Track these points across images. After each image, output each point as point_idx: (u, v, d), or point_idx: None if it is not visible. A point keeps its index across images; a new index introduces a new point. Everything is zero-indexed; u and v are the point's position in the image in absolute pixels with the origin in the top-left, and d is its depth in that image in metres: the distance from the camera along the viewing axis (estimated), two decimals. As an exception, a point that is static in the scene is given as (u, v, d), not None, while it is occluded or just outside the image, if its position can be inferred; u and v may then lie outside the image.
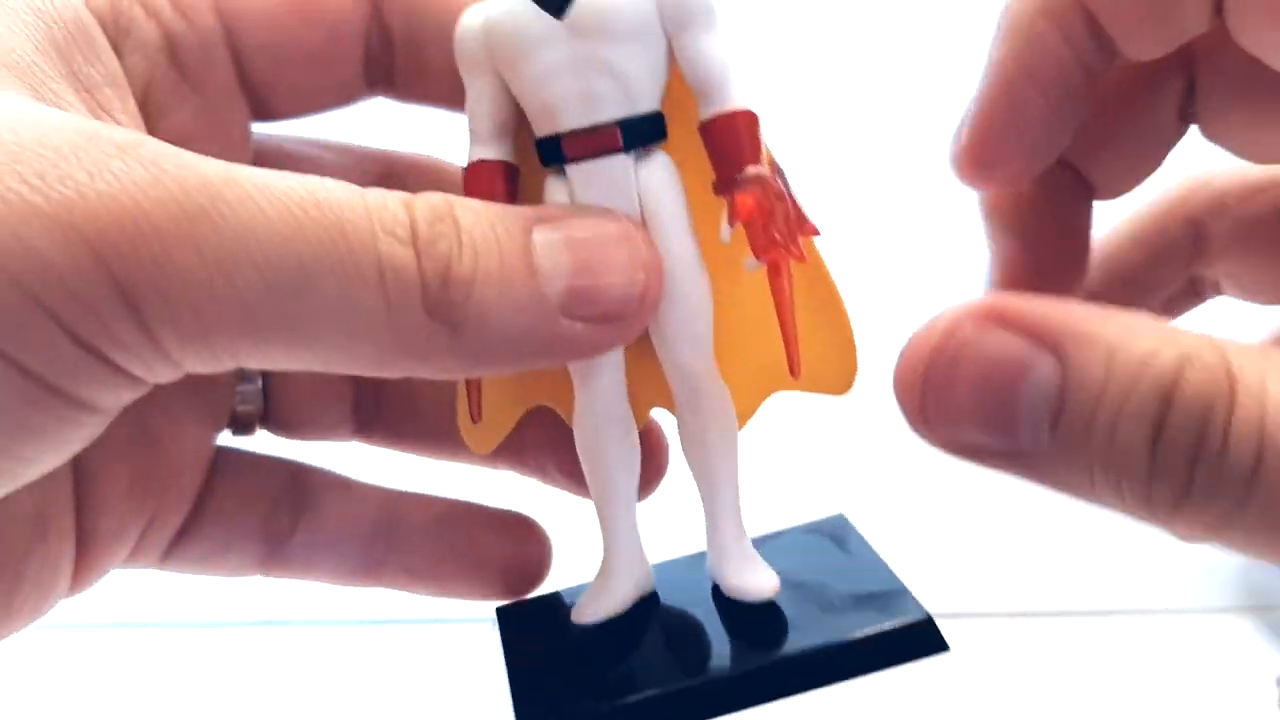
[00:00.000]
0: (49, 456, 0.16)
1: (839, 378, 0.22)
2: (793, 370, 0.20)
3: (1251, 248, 0.24)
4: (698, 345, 0.21)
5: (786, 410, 0.64)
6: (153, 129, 0.21)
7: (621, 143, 0.20)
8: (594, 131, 0.19)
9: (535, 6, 0.19)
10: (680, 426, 0.23)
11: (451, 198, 0.18)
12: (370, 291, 0.16)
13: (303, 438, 0.26)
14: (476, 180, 0.20)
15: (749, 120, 0.20)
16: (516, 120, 0.21)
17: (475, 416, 0.22)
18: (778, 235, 0.19)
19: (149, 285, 0.14)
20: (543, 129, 0.20)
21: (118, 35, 0.21)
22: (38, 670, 0.57)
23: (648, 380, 0.22)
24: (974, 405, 0.16)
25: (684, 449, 0.23)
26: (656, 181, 0.20)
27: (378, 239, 0.16)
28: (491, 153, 0.21)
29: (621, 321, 0.18)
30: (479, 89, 0.21)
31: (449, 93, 0.23)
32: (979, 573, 0.62)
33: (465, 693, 0.51)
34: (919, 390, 0.17)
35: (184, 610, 0.60)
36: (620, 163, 0.20)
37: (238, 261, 0.15)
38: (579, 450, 0.22)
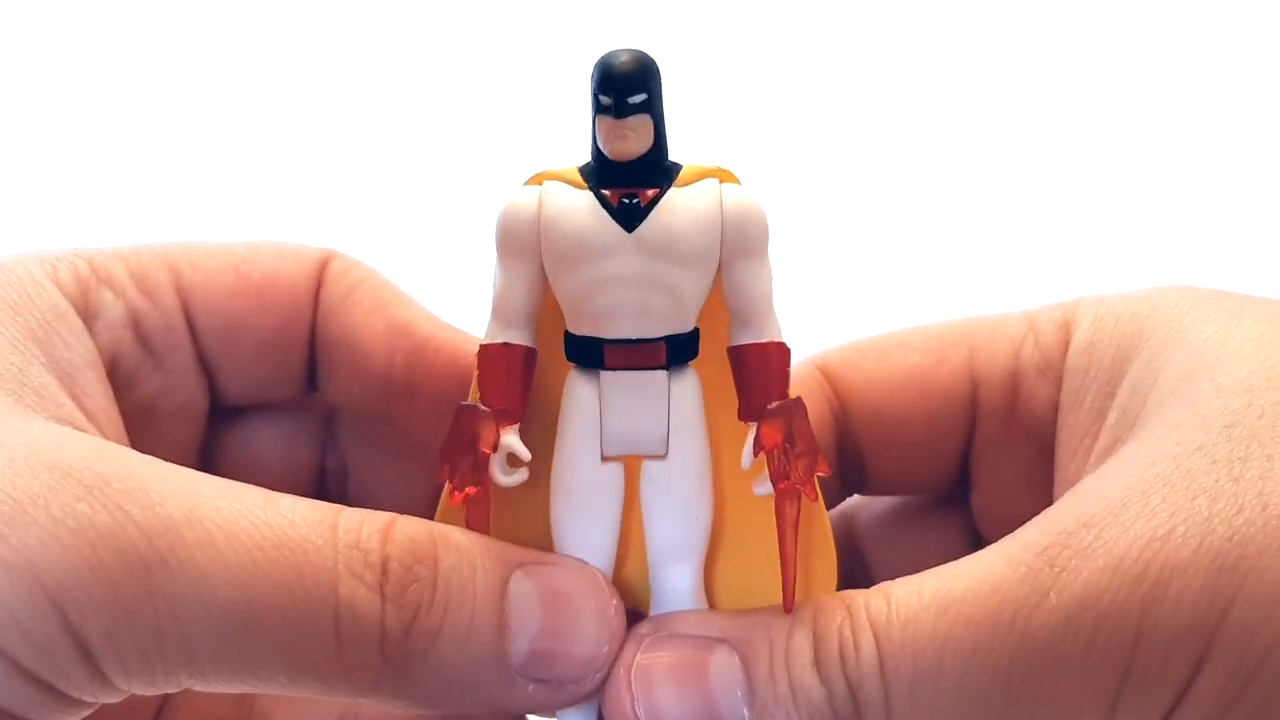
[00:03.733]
0: None
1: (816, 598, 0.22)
2: (787, 606, 0.20)
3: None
4: (691, 561, 0.21)
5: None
6: (120, 401, 0.22)
7: (665, 360, 0.20)
8: (641, 345, 0.19)
9: (605, 213, 0.19)
10: None
11: (436, 532, 0.18)
12: (321, 636, 0.16)
13: None
14: (495, 363, 0.20)
15: (783, 354, 0.20)
16: (542, 306, 0.20)
17: None
18: (799, 473, 0.19)
19: (99, 631, 0.15)
20: (582, 329, 0.20)
21: (87, 316, 0.21)
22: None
23: (624, 580, 0.22)
24: (678, 709, 0.18)
25: None
26: (686, 398, 0.20)
27: (339, 582, 0.16)
28: (515, 337, 0.20)
29: (576, 686, 0.18)
30: (516, 274, 0.20)
31: (342, 390, 0.24)
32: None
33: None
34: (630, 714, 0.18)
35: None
36: (657, 377, 0.20)
37: (189, 607, 0.15)
38: None
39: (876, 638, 0.17)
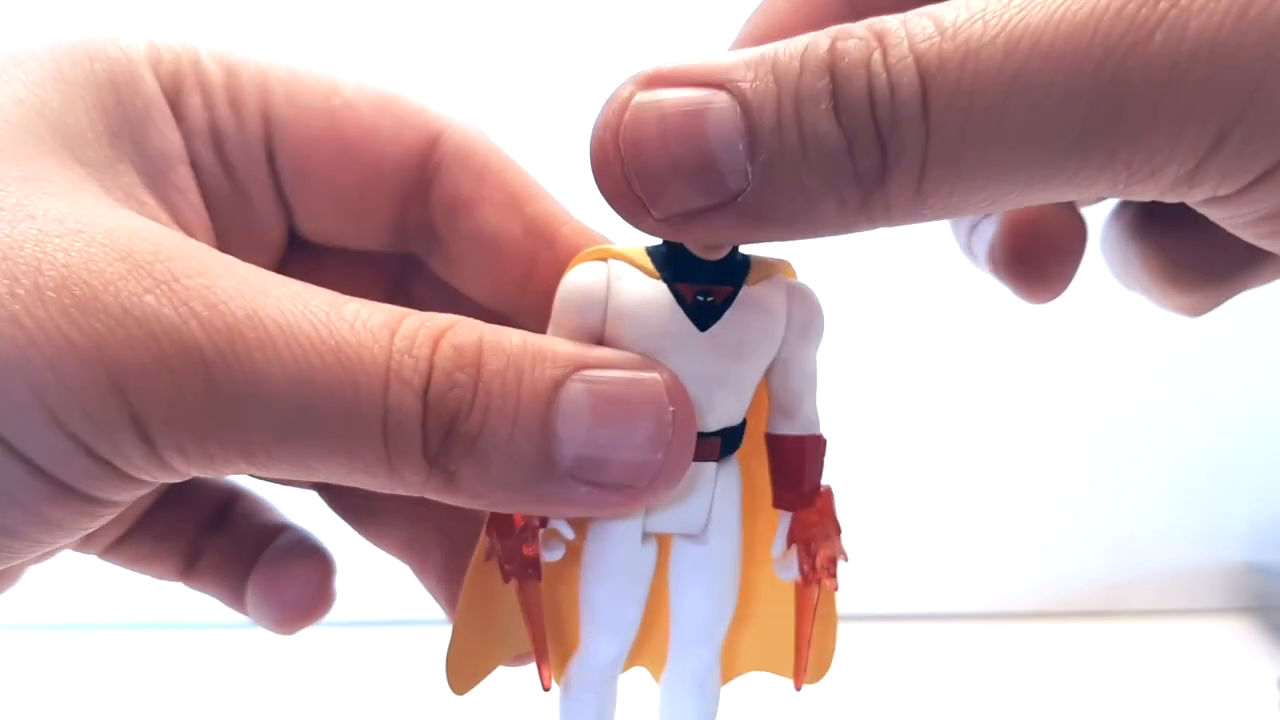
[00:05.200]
0: (64, 540, 0.18)
1: (816, 673, 0.22)
2: (797, 683, 0.21)
3: None
4: (712, 640, 0.21)
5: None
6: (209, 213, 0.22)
7: (719, 454, 0.20)
8: (700, 438, 0.19)
9: (680, 310, 0.19)
10: (664, 696, 0.22)
11: (488, 335, 0.17)
12: (372, 440, 0.16)
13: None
14: None
15: (821, 446, 0.20)
16: None
17: (545, 684, 0.21)
18: (824, 562, 0.20)
19: (161, 418, 0.16)
20: None
21: (176, 115, 0.21)
22: (37, 670, 0.57)
23: (646, 653, 0.22)
24: (672, 166, 0.16)
25: (660, 712, 0.22)
26: (730, 487, 0.20)
27: (389, 389, 0.16)
28: None
29: (630, 492, 0.18)
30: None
31: (473, 283, 0.24)
32: (979, 573, 0.62)
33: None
34: (620, 178, 0.16)
35: (184, 611, 0.60)
36: (708, 468, 0.20)
37: (245, 404, 0.16)
38: (563, 705, 0.22)
39: (922, 74, 0.14)
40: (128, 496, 0.17)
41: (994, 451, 0.62)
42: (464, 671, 0.22)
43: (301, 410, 0.16)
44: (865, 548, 0.62)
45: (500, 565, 0.20)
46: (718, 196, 0.16)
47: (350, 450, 0.17)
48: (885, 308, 0.59)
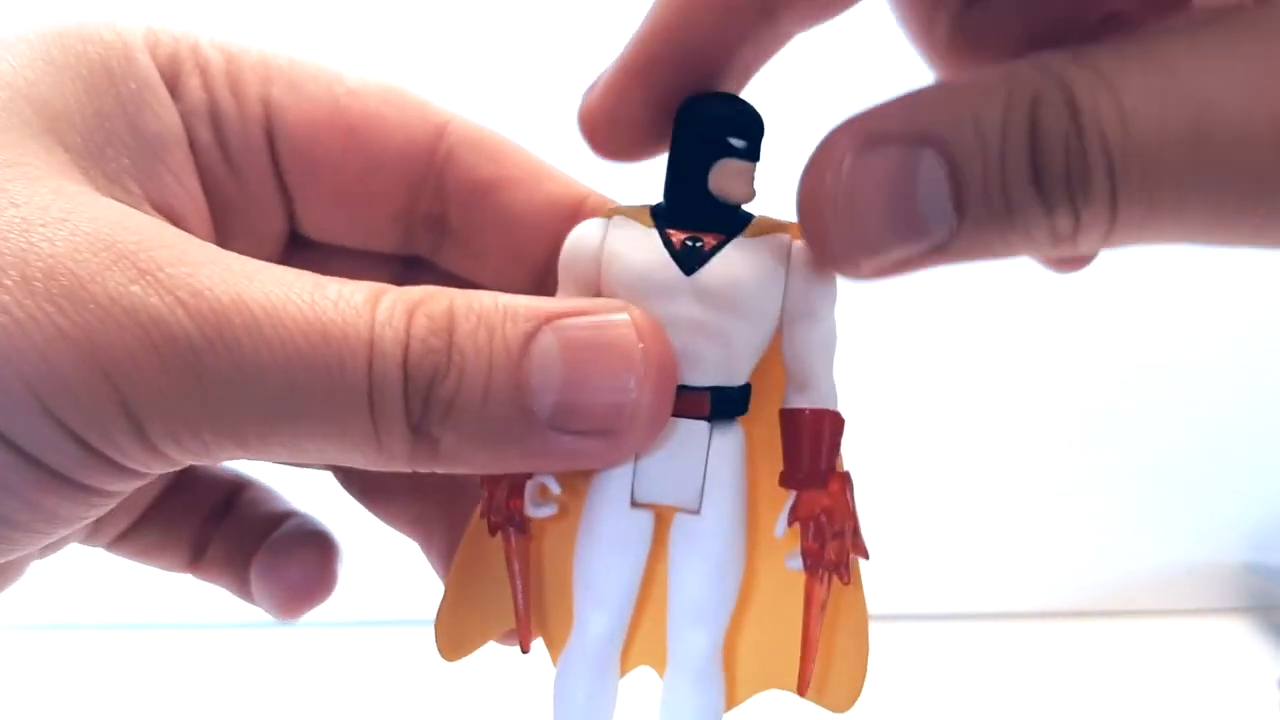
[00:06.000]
0: (64, 531, 0.18)
1: (841, 698, 0.20)
2: (801, 688, 0.19)
3: None
4: (712, 627, 0.20)
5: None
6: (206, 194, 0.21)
7: (709, 411, 0.19)
8: (685, 393, 0.19)
9: (667, 253, 0.19)
10: (664, 692, 0.21)
11: (458, 300, 0.18)
12: (359, 415, 0.17)
13: None
14: None
15: (836, 424, 0.19)
16: None
17: (524, 646, 0.21)
18: (833, 553, 0.19)
19: (151, 406, 0.16)
20: None
21: (172, 89, 0.21)
22: (38, 670, 0.57)
23: (643, 634, 0.21)
24: (883, 222, 0.17)
25: (661, 714, 0.21)
26: (727, 454, 0.19)
27: (373, 364, 0.17)
28: None
29: (612, 435, 0.18)
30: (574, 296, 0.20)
31: (493, 270, 0.23)
32: (979, 573, 0.62)
33: (466, 692, 0.51)
34: (830, 229, 0.17)
35: (184, 611, 0.60)
36: (698, 428, 0.19)
37: (235, 390, 0.16)
38: (555, 685, 0.21)
39: (1110, 159, 0.15)
40: (124, 486, 0.17)
41: (994, 452, 0.62)
42: (453, 638, 0.21)
43: (290, 391, 0.16)
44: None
45: (487, 518, 0.20)
46: (925, 243, 0.17)
47: (340, 428, 0.17)
48: (886, 307, 0.59)
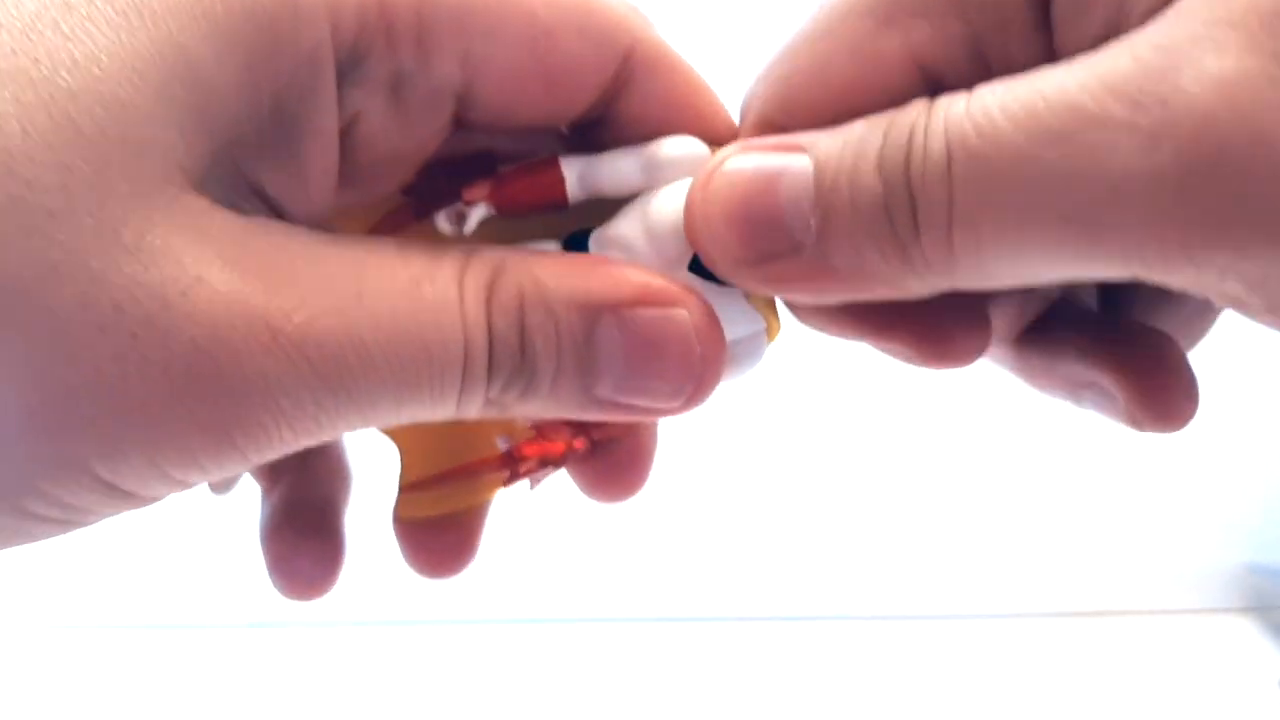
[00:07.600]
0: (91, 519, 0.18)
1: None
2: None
3: None
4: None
5: (791, 411, 0.63)
6: (347, 150, 0.20)
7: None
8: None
9: None
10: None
11: (526, 285, 0.19)
12: (447, 410, 0.18)
13: None
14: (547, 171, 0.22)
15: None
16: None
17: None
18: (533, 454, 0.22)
19: (262, 454, 0.17)
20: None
21: (351, 63, 0.19)
22: (38, 670, 0.57)
23: None
24: (745, 223, 0.18)
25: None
26: None
27: (464, 371, 0.18)
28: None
29: (662, 412, 0.20)
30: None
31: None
32: (979, 573, 0.62)
33: (466, 692, 0.51)
34: (710, 237, 0.19)
35: (184, 611, 0.60)
36: None
37: (348, 417, 0.17)
38: None
39: (949, 140, 0.16)
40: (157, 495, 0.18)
41: (994, 452, 0.62)
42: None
43: (396, 407, 0.18)
44: (866, 548, 0.62)
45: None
46: (786, 247, 0.18)
47: (429, 415, 0.18)
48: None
